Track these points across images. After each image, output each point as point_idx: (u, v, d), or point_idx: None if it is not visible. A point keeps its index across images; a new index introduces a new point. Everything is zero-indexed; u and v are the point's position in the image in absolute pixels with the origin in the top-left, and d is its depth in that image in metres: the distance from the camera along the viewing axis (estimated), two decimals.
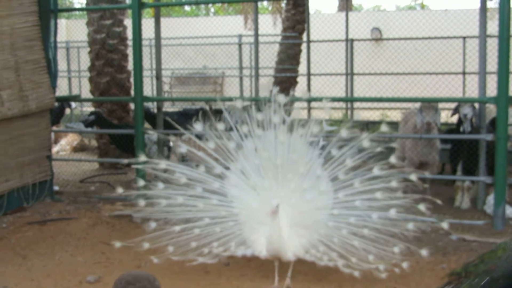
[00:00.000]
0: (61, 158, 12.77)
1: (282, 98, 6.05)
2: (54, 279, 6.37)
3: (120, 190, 6.39)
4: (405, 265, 5.82)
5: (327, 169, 6.08)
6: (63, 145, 14.92)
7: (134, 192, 6.33)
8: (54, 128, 11.71)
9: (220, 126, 6.27)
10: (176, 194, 6.22)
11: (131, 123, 11.38)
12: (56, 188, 9.88)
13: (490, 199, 8.24)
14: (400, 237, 5.87)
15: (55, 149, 13.99)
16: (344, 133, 6.06)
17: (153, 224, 6.14)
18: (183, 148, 6.46)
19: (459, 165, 9.09)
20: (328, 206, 6.04)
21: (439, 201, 6.13)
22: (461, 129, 8.74)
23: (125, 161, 6.85)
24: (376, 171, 6.01)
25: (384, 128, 6.23)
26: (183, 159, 9.21)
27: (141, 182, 6.33)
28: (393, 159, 6.07)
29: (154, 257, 6.11)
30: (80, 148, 15.00)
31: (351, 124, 6.15)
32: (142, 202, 6.27)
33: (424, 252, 5.89)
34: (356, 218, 5.98)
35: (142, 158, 6.48)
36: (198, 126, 6.30)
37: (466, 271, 4.96)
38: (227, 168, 6.27)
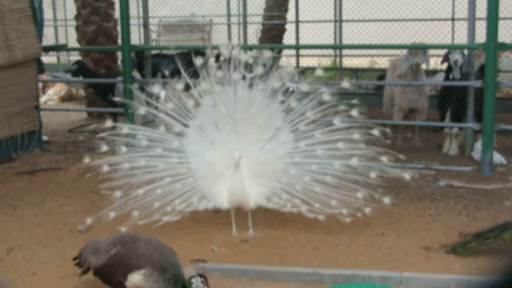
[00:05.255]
0: (49, 108, 12.67)
1: (243, 56, 6.13)
2: (45, 229, 6.40)
3: (87, 160, 6.30)
4: (367, 210, 5.94)
5: (286, 120, 6.19)
6: (51, 95, 14.82)
7: (101, 161, 6.16)
8: (44, 77, 11.62)
9: (179, 86, 6.28)
10: (138, 156, 6.20)
11: (119, 72, 11.29)
12: (44, 138, 9.86)
13: (478, 145, 8.28)
14: (363, 184, 6.01)
15: (42, 99, 13.89)
16: (304, 87, 6.17)
17: (118, 193, 6.04)
18: (142, 110, 6.41)
19: (447, 111, 9.10)
20: (289, 155, 6.17)
21: (402, 156, 6.26)
22: (450, 76, 8.74)
23: (109, 123, 6.47)
24: (337, 122, 6.15)
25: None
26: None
27: (124, 149, 6.24)
28: (354, 113, 6.16)
29: (121, 226, 5.89)
30: (68, 98, 14.92)
31: (311, 79, 6.27)
32: (106, 168, 6.15)
33: (386, 200, 6.00)
34: (318, 166, 6.12)
35: (125, 130, 6.31)
36: (156, 89, 6.32)
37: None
38: (186, 126, 6.29)
